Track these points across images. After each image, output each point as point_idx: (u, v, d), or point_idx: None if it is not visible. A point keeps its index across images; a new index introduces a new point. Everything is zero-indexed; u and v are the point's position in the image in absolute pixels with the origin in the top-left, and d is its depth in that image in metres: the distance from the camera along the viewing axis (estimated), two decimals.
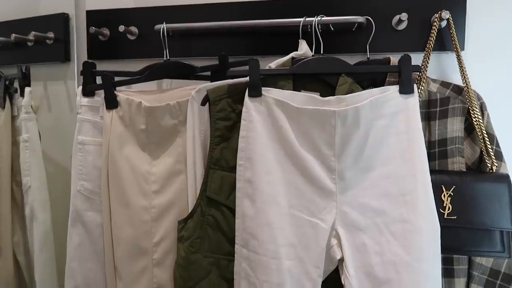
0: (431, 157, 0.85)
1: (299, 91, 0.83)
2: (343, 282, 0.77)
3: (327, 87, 0.84)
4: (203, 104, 0.85)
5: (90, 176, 0.94)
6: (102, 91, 0.93)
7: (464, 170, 0.86)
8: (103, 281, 0.94)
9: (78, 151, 0.94)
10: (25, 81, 1.02)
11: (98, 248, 0.94)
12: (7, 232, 1.06)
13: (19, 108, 1.03)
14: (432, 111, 0.87)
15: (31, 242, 1.04)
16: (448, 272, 0.85)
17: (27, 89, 1.01)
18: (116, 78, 0.95)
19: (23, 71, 1.01)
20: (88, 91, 0.95)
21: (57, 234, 1.04)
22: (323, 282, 0.79)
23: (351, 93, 0.79)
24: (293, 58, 0.86)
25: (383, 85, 0.81)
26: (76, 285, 0.94)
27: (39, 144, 1.03)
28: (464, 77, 0.87)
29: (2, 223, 1.06)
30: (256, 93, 0.80)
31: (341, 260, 0.78)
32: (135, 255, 0.89)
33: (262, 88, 0.80)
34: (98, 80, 0.96)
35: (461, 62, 0.87)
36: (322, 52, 0.85)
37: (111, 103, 0.92)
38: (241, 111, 0.82)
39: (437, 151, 0.86)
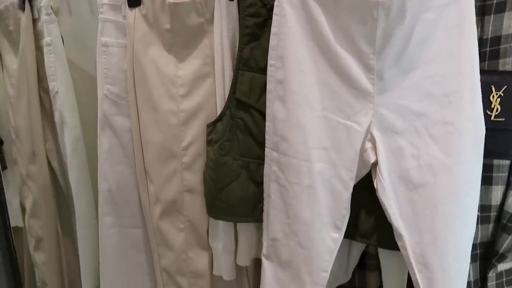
0: (480, 57, 0.77)
1: None
2: (375, 186, 0.75)
3: None
4: None
5: (116, 80, 0.91)
6: None
7: None
8: (134, 184, 0.95)
9: (102, 54, 0.90)
10: None
11: (128, 152, 0.94)
12: (39, 139, 1.08)
13: (39, 10, 0.98)
14: (487, 3, 0.77)
15: (63, 148, 1.06)
16: (486, 179, 0.81)
17: None
18: None
19: None
20: None
21: (87, 140, 1.05)
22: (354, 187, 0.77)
23: None
24: None
25: None
26: (109, 187, 0.96)
27: (63, 48, 1.00)
28: None
29: (33, 130, 1.07)
30: None
31: (375, 164, 0.75)
32: (164, 158, 0.89)
33: None
34: None
35: None
36: None
37: (134, 0, 0.86)
38: (272, 6, 0.75)
39: (488, 50, 0.78)
